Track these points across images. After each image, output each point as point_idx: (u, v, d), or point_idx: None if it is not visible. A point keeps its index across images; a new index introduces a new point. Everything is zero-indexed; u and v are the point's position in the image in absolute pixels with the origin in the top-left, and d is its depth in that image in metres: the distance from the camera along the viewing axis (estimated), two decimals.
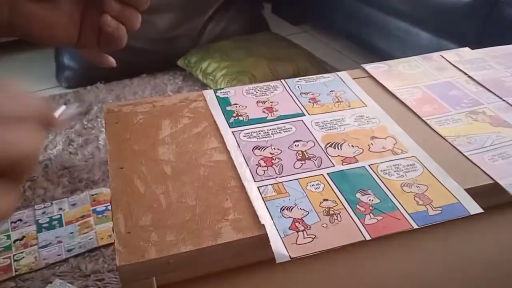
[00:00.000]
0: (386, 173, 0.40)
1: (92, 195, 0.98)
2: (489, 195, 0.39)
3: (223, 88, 0.51)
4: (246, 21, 1.79)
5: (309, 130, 0.45)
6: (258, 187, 0.38)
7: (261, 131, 0.45)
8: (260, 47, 1.61)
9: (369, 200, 0.37)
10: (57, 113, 0.27)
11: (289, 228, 0.34)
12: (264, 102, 0.49)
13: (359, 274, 0.33)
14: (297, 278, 0.33)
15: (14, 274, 0.82)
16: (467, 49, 0.64)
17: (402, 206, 0.36)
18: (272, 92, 0.51)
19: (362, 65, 0.58)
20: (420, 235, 0.35)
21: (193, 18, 1.71)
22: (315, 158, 0.41)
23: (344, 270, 0.33)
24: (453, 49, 0.64)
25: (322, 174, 0.39)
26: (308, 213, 0.35)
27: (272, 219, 0.35)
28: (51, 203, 0.96)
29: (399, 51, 1.49)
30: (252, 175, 0.39)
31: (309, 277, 0.33)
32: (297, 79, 0.54)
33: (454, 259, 0.35)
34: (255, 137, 0.44)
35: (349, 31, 1.80)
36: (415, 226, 0.34)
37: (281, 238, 0.33)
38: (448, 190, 0.38)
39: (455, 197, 0.37)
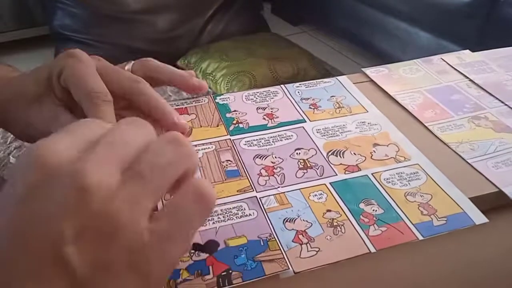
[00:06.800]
0: (389, 182, 0.39)
1: None
2: (493, 203, 0.39)
3: (222, 94, 0.51)
4: (246, 21, 1.79)
5: (310, 137, 0.45)
6: (260, 198, 0.37)
7: (262, 138, 0.44)
8: (260, 47, 1.61)
9: (373, 210, 0.36)
10: None
11: (292, 241, 0.34)
12: (264, 109, 0.49)
13: (361, 278, 0.33)
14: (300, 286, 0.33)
15: None
16: (467, 51, 0.63)
17: (407, 217, 0.36)
18: (272, 98, 0.50)
19: (362, 69, 0.58)
20: (423, 240, 0.35)
21: (193, 18, 1.70)
22: (317, 167, 0.41)
23: (347, 275, 0.33)
24: (452, 49, 0.64)
25: (325, 184, 0.39)
26: (312, 224, 0.35)
27: (275, 231, 0.34)
28: None
29: (399, 51, 1.49)
30: (254, 185, 0.39)
31: (312, 285, 0.33)
32: (297, 84, 0.53)
33: (457, 263, 0.35)
34: (255, 145, 0.43)
35: (349, 31, 1.80)
36: (420, 238, 0.34)
37: (285, 251, 0.33)
38: (453, 199, 0.38)
39: (460, 207, 0.37)
